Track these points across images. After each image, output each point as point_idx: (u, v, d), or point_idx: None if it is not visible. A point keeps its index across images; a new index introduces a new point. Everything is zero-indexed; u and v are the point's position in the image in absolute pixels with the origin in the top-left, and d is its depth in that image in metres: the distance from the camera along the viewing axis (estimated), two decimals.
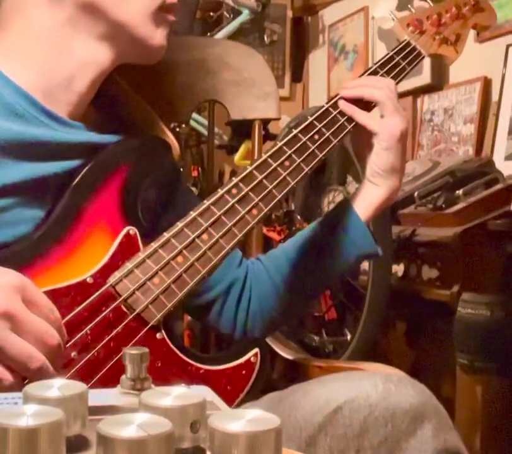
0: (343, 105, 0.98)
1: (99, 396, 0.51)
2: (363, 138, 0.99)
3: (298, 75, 3.66)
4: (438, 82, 2.54)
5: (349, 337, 2.15)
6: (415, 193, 1.91)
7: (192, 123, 2.96)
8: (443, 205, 1.78)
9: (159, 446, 0.36)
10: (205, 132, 2.94)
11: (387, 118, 0.97)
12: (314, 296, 1.11)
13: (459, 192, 1.79)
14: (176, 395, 0.43)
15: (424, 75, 2.53)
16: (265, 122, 2.72)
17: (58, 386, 0.44)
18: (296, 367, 1.14)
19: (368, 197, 0.99)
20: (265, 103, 1.22)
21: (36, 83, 0.87)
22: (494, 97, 2.25)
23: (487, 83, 2.29)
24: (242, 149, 2.96)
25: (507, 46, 2.19)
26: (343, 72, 3.24)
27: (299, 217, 2.33)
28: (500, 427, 1.64)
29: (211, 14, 3.25)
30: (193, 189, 3.05)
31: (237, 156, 3.00)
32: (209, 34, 3.03)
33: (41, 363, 0.68)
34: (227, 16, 3.19)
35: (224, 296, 1.02)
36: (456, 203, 1.76)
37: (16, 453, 0.36)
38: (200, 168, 3.11)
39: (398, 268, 1.85)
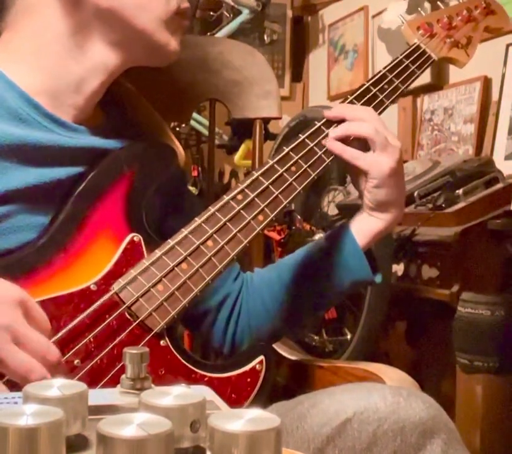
0: (330, 144, 0.92)
1: (99, 396, 0.51)
2: (356, 169, 0.93)
3: (298, 74, 3.65)
4: (438, 82, 2.54)
5: (349, 337, 2.15)
6: (415, 193, 1.91)
7: (192, 122, 2.96)
8: (443, 205, 1.77)
9: (159, 445, 0.36)
10: (205, 132, 2.94)
11: (377, 156, 0.90)
12: (303, 319, 1.04)
13: (459, 191, 1.79)
14: (176, 394, 0.43)
15: (424, 75, 2.52)
16: (265, 122, 2.72)
17: (58, 386, 0.44)
18: (296, 367, 1.14)
19: (366, 226, 0.95)
20: (266, 102, 1.21)
21: (43, 86, 0.86)
22: (494, 97, 2.25)
23: (487, 83, 2.29)
24: (242, 148, 2.96)
25: (507, 46, 2.18)
26: (343, 71, 3.24)
27: (299, 216, 2.33)
28: (500, 426, 1.63)
29: (211, 13, 3.25)
30: (193, 189, 3.06)
31: (237, 156, 3.01)
32: (208, 33, 3.03)
33: (42, 376, 0.67)
34: (227, 15, 3.19)
35: (217, 308, 1.01)
36: (456, 203, 1.76)
37: (16, 452, 0.36)
38: (200, 168, 3.11)
39: (398, 268, 1.85)
